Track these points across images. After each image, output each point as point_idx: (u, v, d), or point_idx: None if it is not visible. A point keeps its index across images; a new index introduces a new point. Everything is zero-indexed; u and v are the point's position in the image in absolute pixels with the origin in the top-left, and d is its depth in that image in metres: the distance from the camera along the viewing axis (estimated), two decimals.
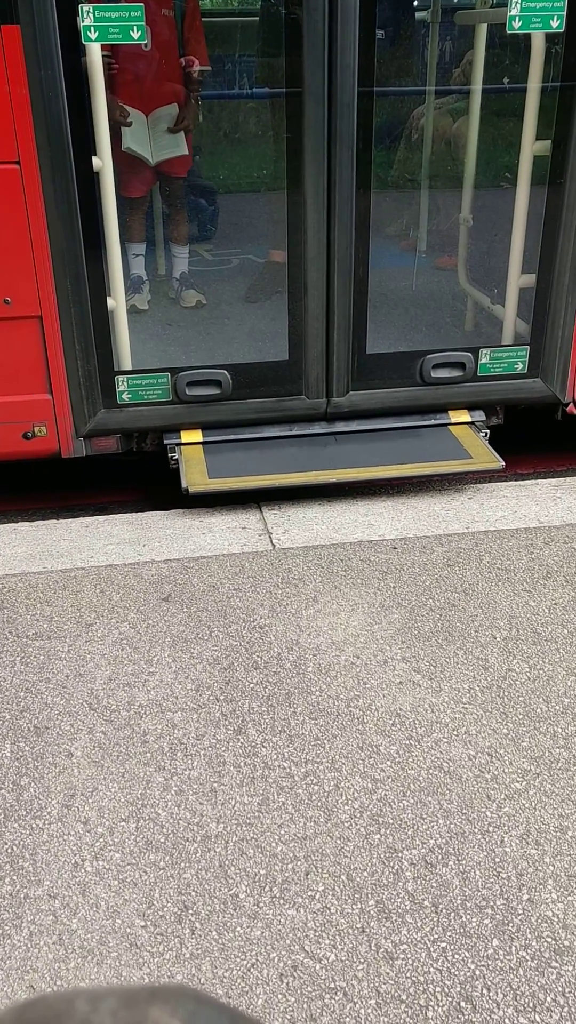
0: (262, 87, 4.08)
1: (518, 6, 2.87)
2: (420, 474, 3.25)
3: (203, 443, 3.29)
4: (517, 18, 2.88)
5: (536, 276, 3.33)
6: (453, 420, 3.45)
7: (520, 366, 3.42)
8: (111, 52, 3.40)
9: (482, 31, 3.76)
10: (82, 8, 2.66)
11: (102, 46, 2.76)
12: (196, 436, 3.30)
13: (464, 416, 3.45)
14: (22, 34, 2.64)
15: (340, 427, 3.40)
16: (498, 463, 3.22)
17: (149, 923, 1.69)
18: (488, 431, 3.43)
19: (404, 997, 1.55)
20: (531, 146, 3.20)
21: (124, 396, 3.20)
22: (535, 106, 3.14)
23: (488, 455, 3.27)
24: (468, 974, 1.59)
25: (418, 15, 4.77)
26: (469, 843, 1.84)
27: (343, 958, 1.62)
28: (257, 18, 4.26)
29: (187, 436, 3.30)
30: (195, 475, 3.13)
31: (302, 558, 2.85)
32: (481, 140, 3.81)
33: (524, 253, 3.36)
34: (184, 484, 3.09)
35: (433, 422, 3.44)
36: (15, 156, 2.78)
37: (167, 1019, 0.38)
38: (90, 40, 2.70)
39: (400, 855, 1.81)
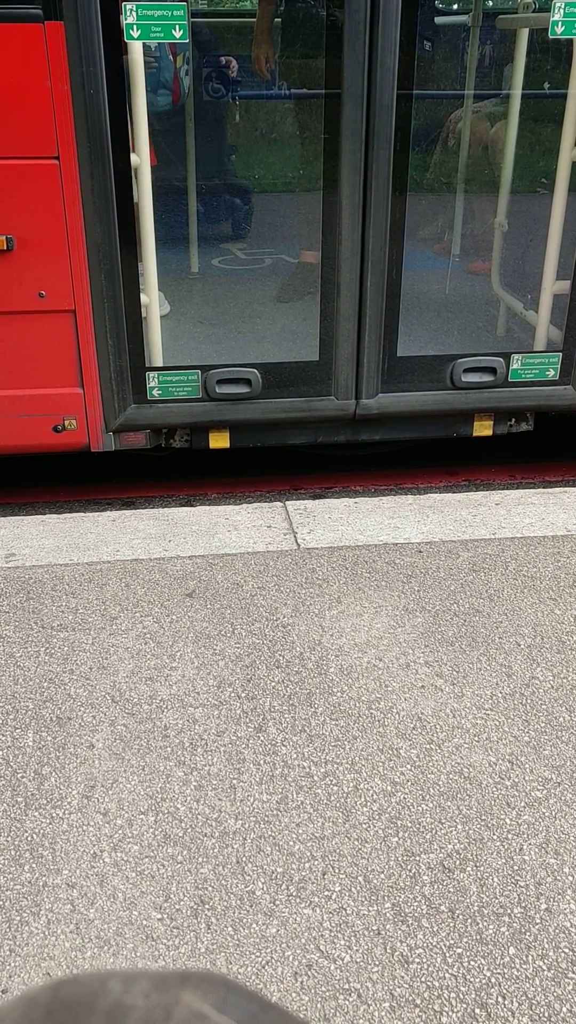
0: (299, 88, 4.08)
1: (561, 11, 2.85)
2: None
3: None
4: (560, 23, 2.87)
5: (570, 283, 3.31)
6: (475, 435, 3.50)
7: (552, 373, 3.40)
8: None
9: (523, 35, 3.73)
10: (125, 6, 2.67)
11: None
12: (224, 444, 3.37)
13: (487, 432, 3.49)
14: (65, 30, 2.66)
15: (365, 437, 3.44)
16: None
17: (165, 916, 1.70)
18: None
19: (418, 1001, 1.55)
20: (570, 152, 3.18)
21: (154, 392, 3.22)
22: (575, 112, 3.12)
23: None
24: (484, 981, 1.58)
25: (458, 19, 4.75)
26: (487, 850, 1.83)
27: (358, 959, 1.62)
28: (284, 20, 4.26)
29: (215, 443, 3.37)
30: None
31: (327, 559, 2.85)
32: (519, 145, 3.79)
33: (559, 259, 3.34)
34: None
35: (455, 435, 3.51)
36: (54, 151, 2.80)
37: (198, 1003, 0.38)
38: (132, 38, 2.72)
39: (418, 859, 1.81)
